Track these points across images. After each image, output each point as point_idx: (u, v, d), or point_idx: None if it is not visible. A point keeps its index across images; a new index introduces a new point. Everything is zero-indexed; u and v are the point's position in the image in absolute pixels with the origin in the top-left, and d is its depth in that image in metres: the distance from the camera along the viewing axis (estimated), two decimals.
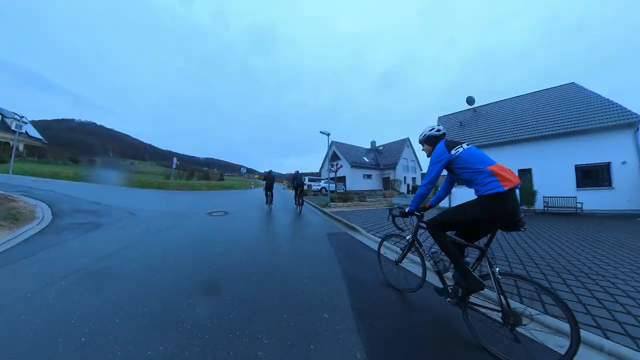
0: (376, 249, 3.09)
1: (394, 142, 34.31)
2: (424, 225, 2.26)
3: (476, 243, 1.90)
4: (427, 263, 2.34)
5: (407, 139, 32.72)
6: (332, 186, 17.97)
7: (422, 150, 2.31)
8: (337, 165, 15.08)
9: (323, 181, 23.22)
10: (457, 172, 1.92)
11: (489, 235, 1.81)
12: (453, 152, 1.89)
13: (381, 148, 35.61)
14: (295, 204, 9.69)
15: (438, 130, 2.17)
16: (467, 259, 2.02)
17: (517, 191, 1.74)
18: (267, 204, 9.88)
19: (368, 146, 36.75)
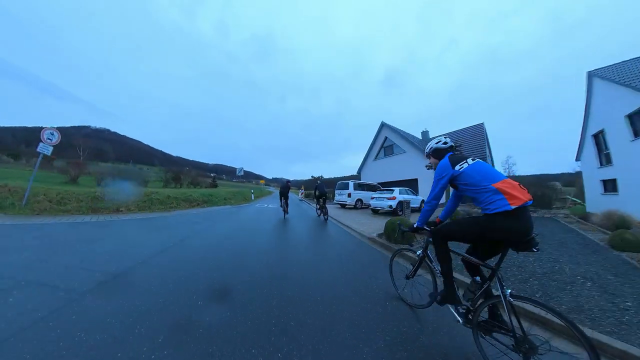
0: None
1: (465, 128, 20.86)
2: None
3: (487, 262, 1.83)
4: (437, 280, 2.30)
5: (482, 125, 19.54)
6: (413, 199, 11.88)
7: (429, 163, 2.30)
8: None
9: (396, 190, 11.52)
10: (461, 188, 1.86)
11: (499, 254, 1.72)
12: (457, 167, 1.82)
13: (446, 139, 13.39)
14: (318, 215, 9.62)
15: (445, 143, 2.14)
16: (477, 278, 1.94)
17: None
18: (281, 207, 10.38)
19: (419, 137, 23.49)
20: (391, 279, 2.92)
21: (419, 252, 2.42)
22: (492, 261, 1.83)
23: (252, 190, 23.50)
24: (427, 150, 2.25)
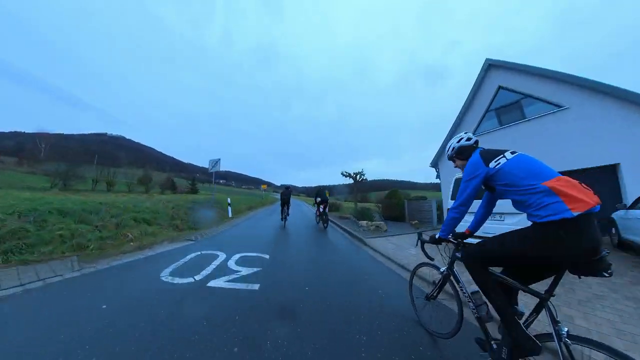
0: None
1: None
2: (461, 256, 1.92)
3: (533, 286, 1.42)
4: (464, 304, 1.94)
5: None
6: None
7: (455, 167, 1.99)
8: None
9: None
10: (499, 190, 1.51)
11: (552, 277, 1.33)
12: (492, 164, 1.47)
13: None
14: (317, 222, 9.23)
15: (469, 139, 1.81)
16: (519, 307, 1.57)
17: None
18: (282, 219, 9.65)
19: None
20: (410, 299, 2.55)
21: (443, 268, 2.06)
22: (539, 285, 1.42)
23: (229, 201, 12.04)
24: (448, 152, 1.93)
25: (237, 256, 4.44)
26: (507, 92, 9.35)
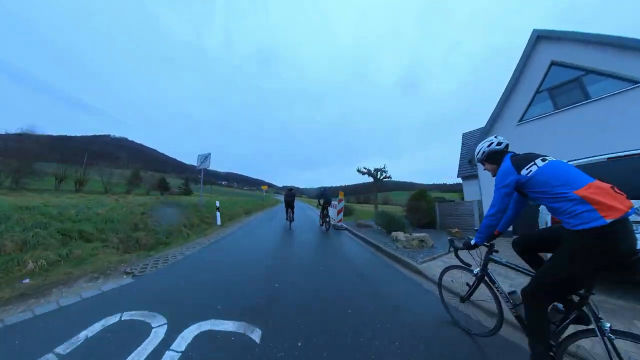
0: None
1: None
2: (496, 258, 1.96)
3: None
4: (503, 304, 1.97)
5: None
6: None
7: (485, 170, 2.03)
8: None
9: None
10: (533, 197, 1.53)
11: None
12: (524, 172, 1.49)
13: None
14: (321, 224, 8.99)
15: (499, 144, 1.81)
16: (558, 305, 1.57)
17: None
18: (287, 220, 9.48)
19: None
20: (441, 300, 2.56)
21: (477, 270, 2.08)
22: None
23: (218, 204, 9.79)
24: (478, 155, 1.94)
25: (191, 330, 2.07)
26: (563, 69, 7.56)
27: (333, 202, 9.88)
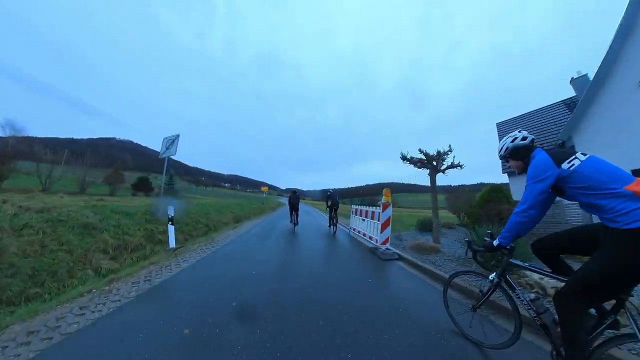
0: None
1: (540, 109, 13.00)
2: (516, 262, 1.81)
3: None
4: (522, 312, 1.85)
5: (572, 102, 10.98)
6: None
7: (508, 167, 1.92)
8: None
9: None
10: (571, 193, 1.44)
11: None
12: (565, 165, 1.41)
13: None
14: (329, 225, 8.93)
15: (524, 139, 1.72)
16: (591, 310, 1.49)
17: None
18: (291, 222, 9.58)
19: None
20: (447, 310, 2.39)
21: (493, 275, 1.94)
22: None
23: (170, 214, 5.30)
24: (501, 151, 1.84)
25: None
26: None
27: (374, 210, 6.16)
